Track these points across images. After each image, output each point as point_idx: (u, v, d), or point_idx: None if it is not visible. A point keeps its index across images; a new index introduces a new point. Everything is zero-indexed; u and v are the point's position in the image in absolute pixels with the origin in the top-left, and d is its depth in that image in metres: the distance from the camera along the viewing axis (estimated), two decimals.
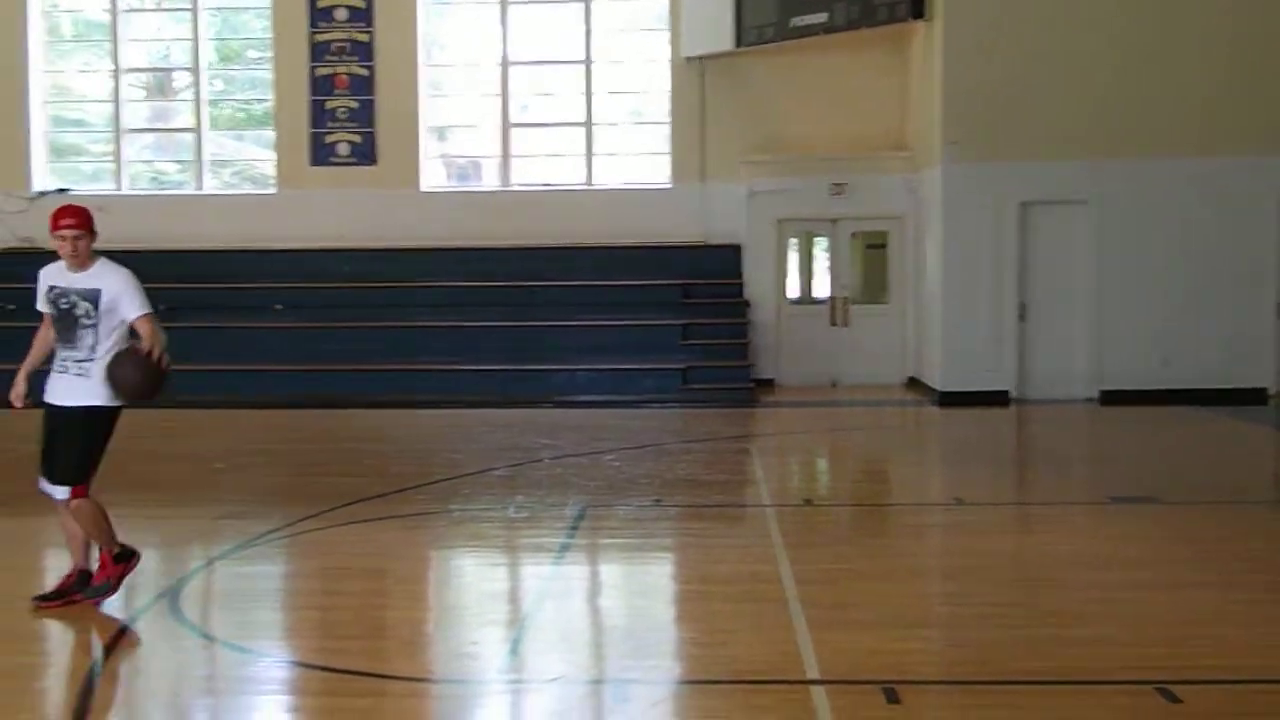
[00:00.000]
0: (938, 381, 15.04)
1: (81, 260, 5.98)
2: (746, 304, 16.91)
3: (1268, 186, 14.45)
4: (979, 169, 14.59)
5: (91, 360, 5.94)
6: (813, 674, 5.13)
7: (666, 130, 17.84)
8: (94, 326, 5.95)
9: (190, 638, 5.86)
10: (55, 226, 5.95)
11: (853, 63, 17.06)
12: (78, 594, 6.12)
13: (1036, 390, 14.79)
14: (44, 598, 6.09)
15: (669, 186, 17.78)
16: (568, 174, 18.15)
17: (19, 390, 6.08)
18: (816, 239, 17.60)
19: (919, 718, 4.72)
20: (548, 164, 18.32)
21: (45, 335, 6.16)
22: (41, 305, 6.09)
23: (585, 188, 17.99)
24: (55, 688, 5.25)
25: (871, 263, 17.48)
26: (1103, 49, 14.46)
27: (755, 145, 17.16)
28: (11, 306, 14.85)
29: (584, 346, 15.83)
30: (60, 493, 5.96)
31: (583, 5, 17.89)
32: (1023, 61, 14.50)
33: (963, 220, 14.77)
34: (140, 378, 5.89)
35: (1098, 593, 6.49)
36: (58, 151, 18.62)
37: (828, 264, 17.48)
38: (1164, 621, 5.90)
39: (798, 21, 16.44)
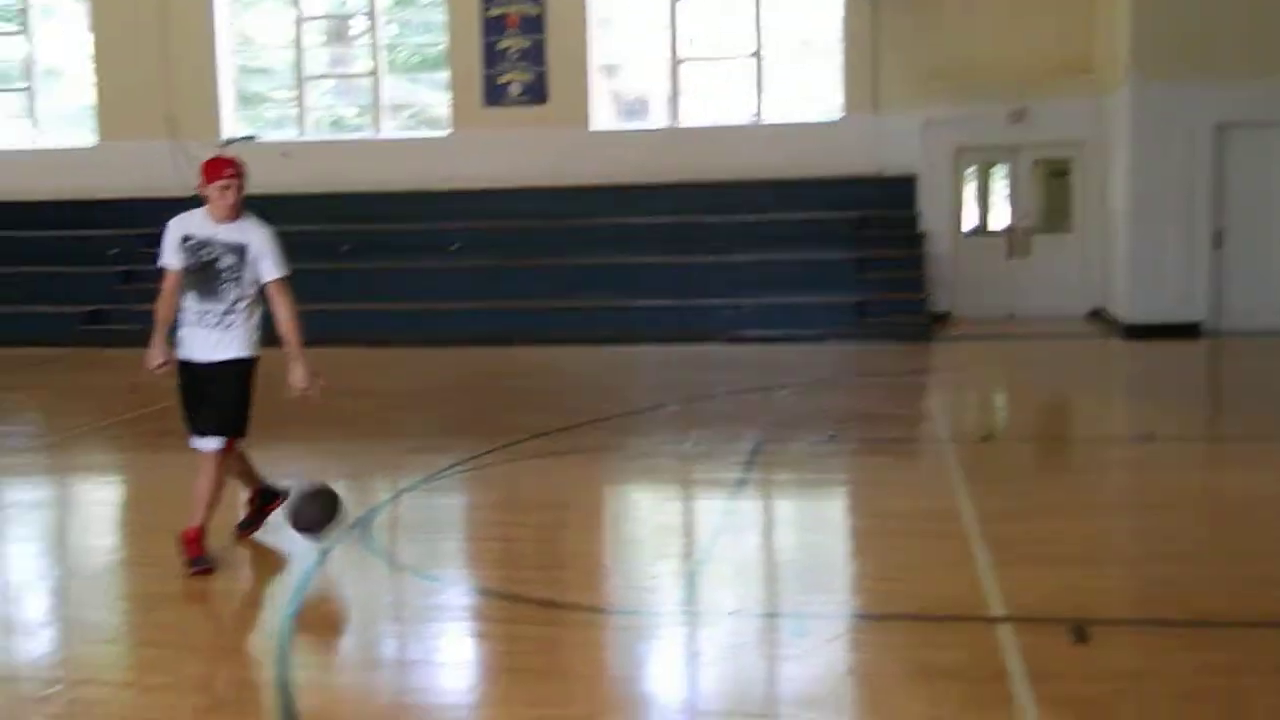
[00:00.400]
0: (1124, 313, 14.46)
1: (236, 211, 5.81)
2: (922, 236, 16.52)
3: None
4: (1171, 90, 13.86)
5: (234, 314, 5.84)
6: (997, 611, 5.03)
7: (838, 61, 17.46)
8: (237, 280, 5.79)
9: (380, 566, 6.08)
10: (218, 175, 5.73)
11: None
12: (268, 508, 6.37)
13: (1232, 321, 14.08)
14: (243, 525, 6.39)
15: (841, 118, 17.42)
16: (737, 109, 17.96)
17: (158, 358, 5.85)
18: (995, 167, 17.04)
19: (1109, 656, 4.57)
20: (716, 99, 18.16)
21: (172, 294, 5.86)
22: (172, 258, 5.80)
23: (755, 122, 17.78)
24: (253, 615, 5.51)
25: (1053, 191, 16.86)
26: None
27: (930, 73, 16.63)
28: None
29: (756, 281, 15.71)
30: (214, 443, 5.87)
31: None
32: None
33: (1153, 144, 14.08)
34: (320, 514, 6.15)
35: None
36: (245, 100, 19.30)
37: (1006, 193, 16.94)
38: None
39: None
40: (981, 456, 8.44)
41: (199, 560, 5.76)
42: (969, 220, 17.08)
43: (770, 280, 15.65)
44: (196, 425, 5.90)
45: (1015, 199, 16.74)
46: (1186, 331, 14.00)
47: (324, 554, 6.18)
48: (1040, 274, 16.43)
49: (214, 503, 5.90)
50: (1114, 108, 15.01)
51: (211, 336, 5.82)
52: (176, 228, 5.82)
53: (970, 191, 17.15)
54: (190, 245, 5.76)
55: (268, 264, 5.88)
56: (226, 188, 5.72)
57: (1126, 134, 14.34)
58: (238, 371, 5.88)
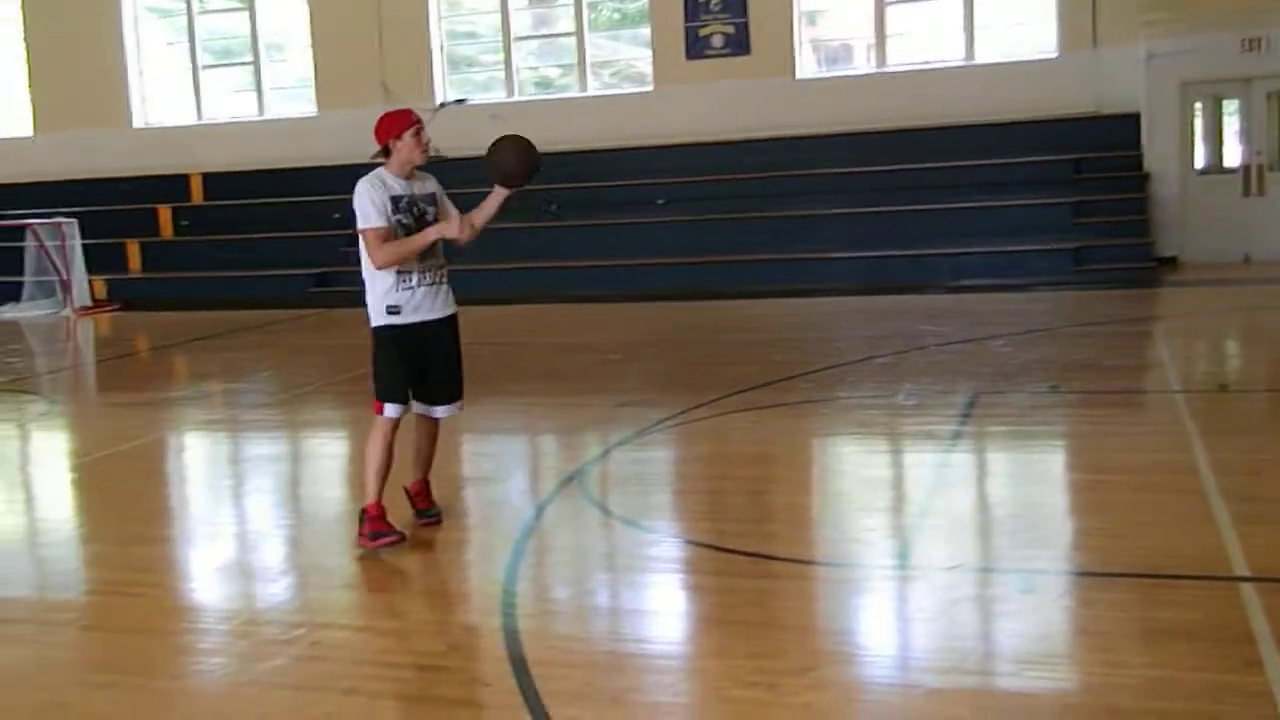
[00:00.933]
0: None
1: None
2: (1146, 176, 15.72)
3: None
4: None
5: (445, 268, 5.71)
6: (1240, 570, 4.75)
7: None
8: None
9: (595, 518, 6.18)
10: (408, 123, 5.53)
11: None
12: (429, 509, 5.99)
13: None
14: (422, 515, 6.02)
15: (1055, 56, 16.72)
16: (946, 50, 17.41)
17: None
18: (1226, 101, 16.04)
19: None
20: (925, 41, 17.64)
21: None
22: (383, 220, 5.44)
23: (966, 63, 17.22)
24: (478, 563, 5.68)
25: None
26: None
27: (1153, 2, 15.74)
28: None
29: (970, 229, 15.28)
30: (453, 410, 5.79)
31: None
32: None
33: None
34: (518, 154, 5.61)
35: None
36: (454, 64, 19.77)
37: (1239, 128, 15.93)
38: None
39: None
40: (1217, 408, 8.00)
41: (427, 512, 5.92)
42: (1198, 159, 16.14)
43: (984, 227, 15.21)
44: (432, 394, 5.73)
45: (1249, 134, 15.72)
46: None
47: (541, 507, 6.31)
48: (1278, 214, 15.41)
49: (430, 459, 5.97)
50: None
51: (440, 294, 5.68)
52: (379, 190, 5.46)
53: (1199, 127, 16.19)
54: (404, 205, 5.51)
55: (449, 205, 5.73)
56: (419, 132, 5.51)
57: None
58: (457, 330, 5.85)
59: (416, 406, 5.78)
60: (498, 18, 19.24)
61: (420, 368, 5.69)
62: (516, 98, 19.13)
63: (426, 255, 5.60)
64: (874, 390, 9.07)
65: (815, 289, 14.75)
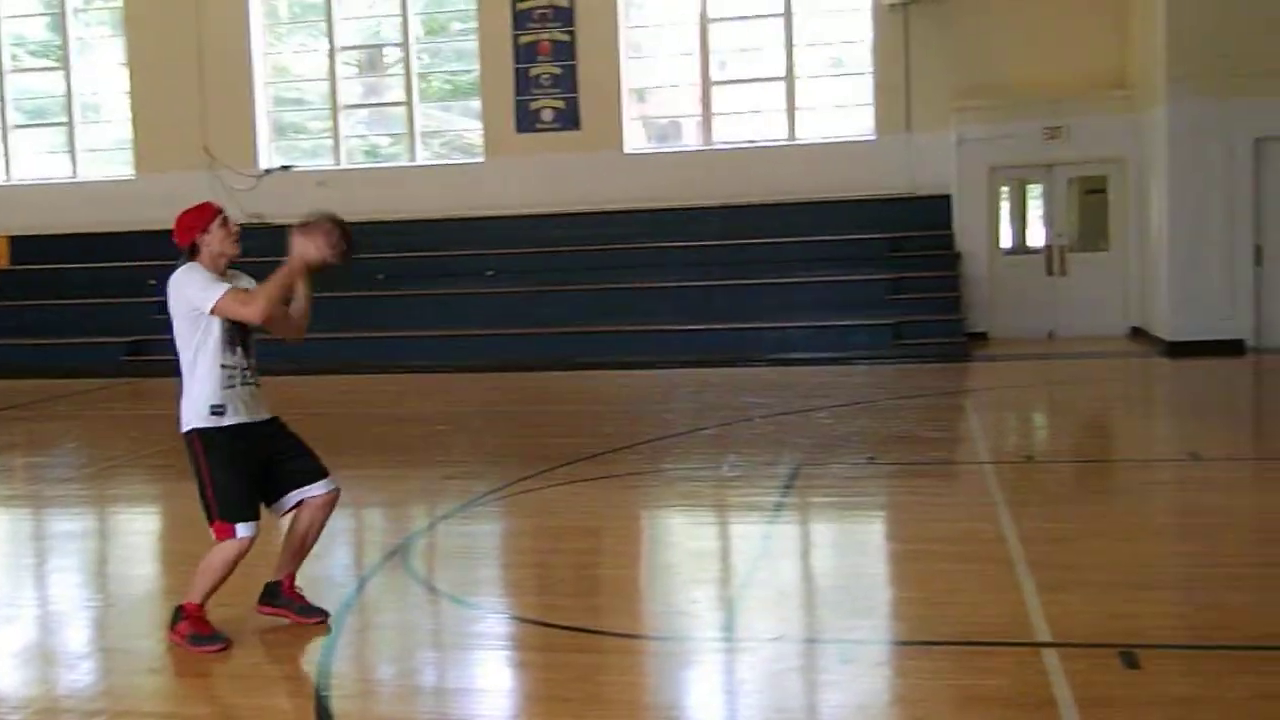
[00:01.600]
0: (1166, 331, 14.30)
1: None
2: (957, 255, 16.42)
3: None
4: (1208, 105, 13.75)
5: (256, 368, 5.30)
6: (1044, 637, 4.94)
7: (870, 80, 17.45)
8: (253, 332, 5.24)
9: (418, 592, 6.06)
10: (217, 217, 5.16)
11: None
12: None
13: (1276, 339, 13.90)
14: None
15: (874, 138, 17.39)
16: (770, 130, 17.96)
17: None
18: (1030, 186, 16.93)
19: (1161, 683, 4.49)
20: (749, 121, 18.17)
21: None
22: (223, 284, 5.07)
23: (788, 143, 17.77)
24: (294, 642, 5.50)
25: (1089, 208, 16.72)
26: None
27: (963, 91, 16.58)
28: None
29: (792, 304, 15.68)
30: (330, 485, 5.36)
31: None
32: None
33: (1191, 160, 13.96)
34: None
35: None
36: (280, 130, 19.47)
37: (1042, 211, 16.82)
38: None
39: None
40: (1023, 478, 8.34)
41: (308, 609, 5.47)
42: (1005, 239, 16.96)
43: (805, 303, 15.63)
44: (295, 478, 5.31)
45: (1051, 217, 16.62)
46: (1229, 349, 13.84)
47: (363, 581, 6.16)
48: (1078, 293, 16.28)
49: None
50: (1151, 124, 14.89)
51: (257, 396, 5.27)
52: (220, 282, 5.06)
53: (1006, 210, 17.03)
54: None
55: None
56: (225, 222, 5.14)
57: (1164, 151, 14.22)
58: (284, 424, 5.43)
59: (288, 500, 5.32)
60: (326, 85, 19.07)
61: (262, 468, 5.21)
62: (344, 165, 18.94)
63: (245, 353, 5.20)
64: (700, 462, 9.18)
65: (643, 361, 14.91)
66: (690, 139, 18.39)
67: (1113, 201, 16.27)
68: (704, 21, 17.86)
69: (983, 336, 16.10)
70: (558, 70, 17.84)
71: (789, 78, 17.74)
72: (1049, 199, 16.66)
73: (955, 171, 16.55)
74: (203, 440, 5.12)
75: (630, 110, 18.24)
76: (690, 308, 16.00)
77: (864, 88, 17.59)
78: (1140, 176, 15.55)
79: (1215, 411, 11.04)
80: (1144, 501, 7.72)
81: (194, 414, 5.14)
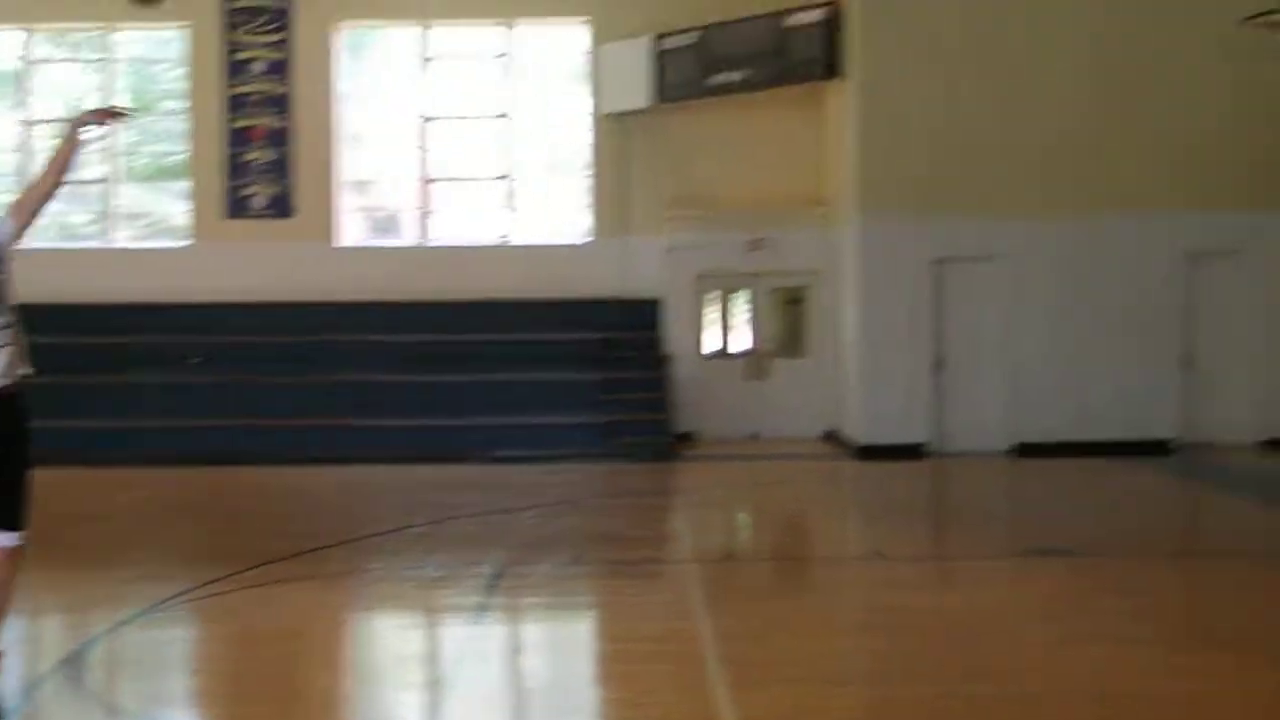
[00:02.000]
0: (856, 435, 15.16)
1: None
2: (666, 358, 16.95)
3: (1168, 240, 14.86)
4: (894, 225, 14.82)
5: (11, 326, 5.00)
6: None
7: (587, 185, 17.93)
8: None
9: (93, 710, 5.65)
10: None
11: (770, 119, 17.31)
12: None
13: (953, 443, 14.95)
14: None
15: (589, 241, 17.82)
16: (487, 229, 18.13)
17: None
18: (736, 293, 17.71)
19: None
20: (467, 219, 18.30)
21: None
22: None
23: (505, 242, 17.98)
24: None
25: (790, 317, 17.63)
26: (1011, 112, 14.80)
27: (675, 200, 17.29)
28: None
29: (503, 402, 15.74)
30: (12, 539, 4.91)
31: (502, 62, 17.97)
32: (933, 122, 14.79)
33: (879, 275, 14.97)
34: None
35: (1026, 648, 6.52)
36: None
37: (747, 318, 17.60)
38: (1081, 675, 5.94)
39: (716, 79, 16.67)
40: (722, 577, 8.61)
41: None
42: (712, 343, 17.64)
43: (518, 401, 15.71)
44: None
45: (754, 324, 17.41)
46: (912, 452, 14.78)
47: (29, 697, 5.70)
48: (779, 397, 17.07)
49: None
50: (844, 240, 15.91)
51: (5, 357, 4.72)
52: None
53: (713, 315, 17.74)
54: None
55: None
56: None
57: (855, 265, 15.21)
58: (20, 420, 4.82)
59: None
60: (19, 158, 17.97)
61: None
62: (35, 244, 17.78)
63: None
64: (406, 561, 9.01)
65: (354, 456, 14.60)
66: (408, 234, 18.31)
67: (811, 311, 17.21)
68: (424, 118, 17.95)
69: (690, 437, 16.60)
70: (272, 156, 17.48)
71: (508, 178, 18.02)
72: (753, 306, 17.46)
73: (665, 277, 17.14)
74: None
75: (347, 202, 18.04)
76: (402, 403, 15.81)
77: (581, 192, 18.05)
78: (835, 289, 16.55)
79: (899, 512, 11.72)
80: (833, 599, 8.10)
81: None
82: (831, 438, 16.50)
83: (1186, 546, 10.27)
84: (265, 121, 17.48)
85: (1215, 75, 14.48)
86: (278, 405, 15.70)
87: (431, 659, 6.79)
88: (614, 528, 10.49)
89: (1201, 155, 14.75)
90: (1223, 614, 7.36)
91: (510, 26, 17.93)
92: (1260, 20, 7.74)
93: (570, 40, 17.99)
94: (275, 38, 17.47)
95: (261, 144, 17.48)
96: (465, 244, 17.97)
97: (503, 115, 17.99)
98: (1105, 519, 11.01)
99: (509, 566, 8.62)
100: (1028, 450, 14.74)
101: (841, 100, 15.76)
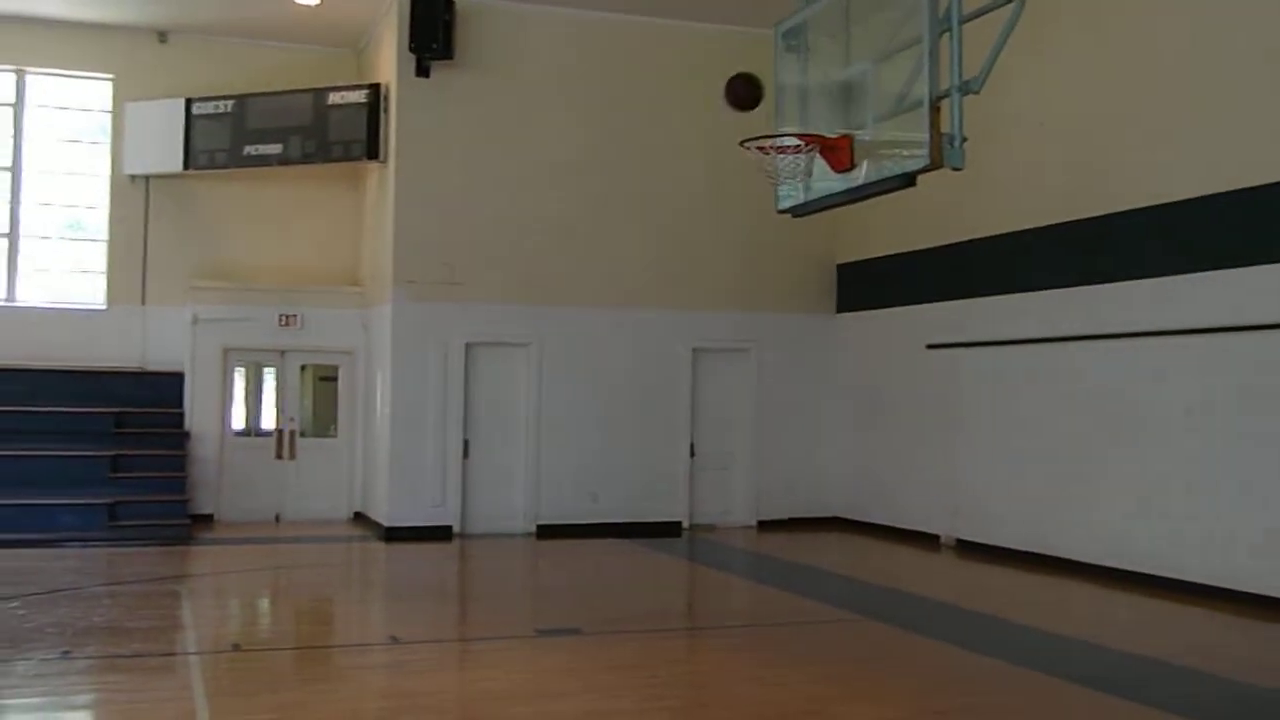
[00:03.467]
0: (384, 516, 15.08)
1: None
2: (186, 435, 16.11)
3: (682, 338, 16.09)
4: (427, 308, 15.04)
5: None
6: None
7: (104, 248, 16.87)
8: None
9: None
10: None
11: (308, 196, 17.16)
12: None
13: (479, 525, 15.23)
14: None
15: (104, 308, 16.74)
16: None
17: None
18: (266, 369, 17.18)
19: None
20: None
21: None
22: None
23: (8, 304, 16.50)
24: None
25: (321, 395, 17.32)
26: (540, 207, 15.52)
27: (202, 270, 16.64)
28: None
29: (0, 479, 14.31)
30: None
31: (12, 110, 16.64)
32: (469, 211, 15.24)
33: (412, 357, 15.09)
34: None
35: None
36: None
37: (275, 395, 17.10)
38: None
39: (252, 150, 16.30)
40: (231, 668, 8.23)
41: None
42: (237, 420, 16.96)
43: (14, 477, 14.38)
44: None
45: (283, 402, 16.94)
46: (440, 534, 14.89)
47: None
48: (307, 477, 16.68)
49: None
50: (378, 320, 15.91)
51: None
52: None
53: (240, 391, 17.08)
54: None
55: None
56: None
57: (388, 346, 15.23)
58: None
59: None
60: None
61: None
62: None
63: None
64: None
65: None
66: None
67: (342, 390, 17.01)
68: None
69: (209, 519, 15.83)
70: None
71: (12, 235, 16.60)
72: (281, 384, 16.99)
73: (189, 350, 16.36)
74: None
75: None
76: None
77: (97, 255, 16.93)
78: (368, 368, 16.48)
79: (419, 594, 11.74)
80: (342, 687, 7.93)
81: None
82: (359, 519, 16.31)
83: (684, 623, 11.00)
84: None
85: (721, 192, 15.91)
86: None
87: None
88: (113, 618, 9.75)
89: (707, 262, 16.16)
90: (708, 680, 7.94)
91: (21, 74, 16.66)
92: (754, 142, 8.61)
93: (90, 96, 16.96)
94: None
95: None
96: None
97: (9, 167, 16.62)
98: (615, 598, 11.58)
99: None
100: (547, 531, 15.28)
101: (382, 181, 15.86)
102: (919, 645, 9.21)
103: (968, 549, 14.17)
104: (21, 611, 9.74)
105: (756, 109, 9.26)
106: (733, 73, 9.22)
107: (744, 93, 9.06)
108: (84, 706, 7.33)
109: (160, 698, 7.35)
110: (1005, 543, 13.57)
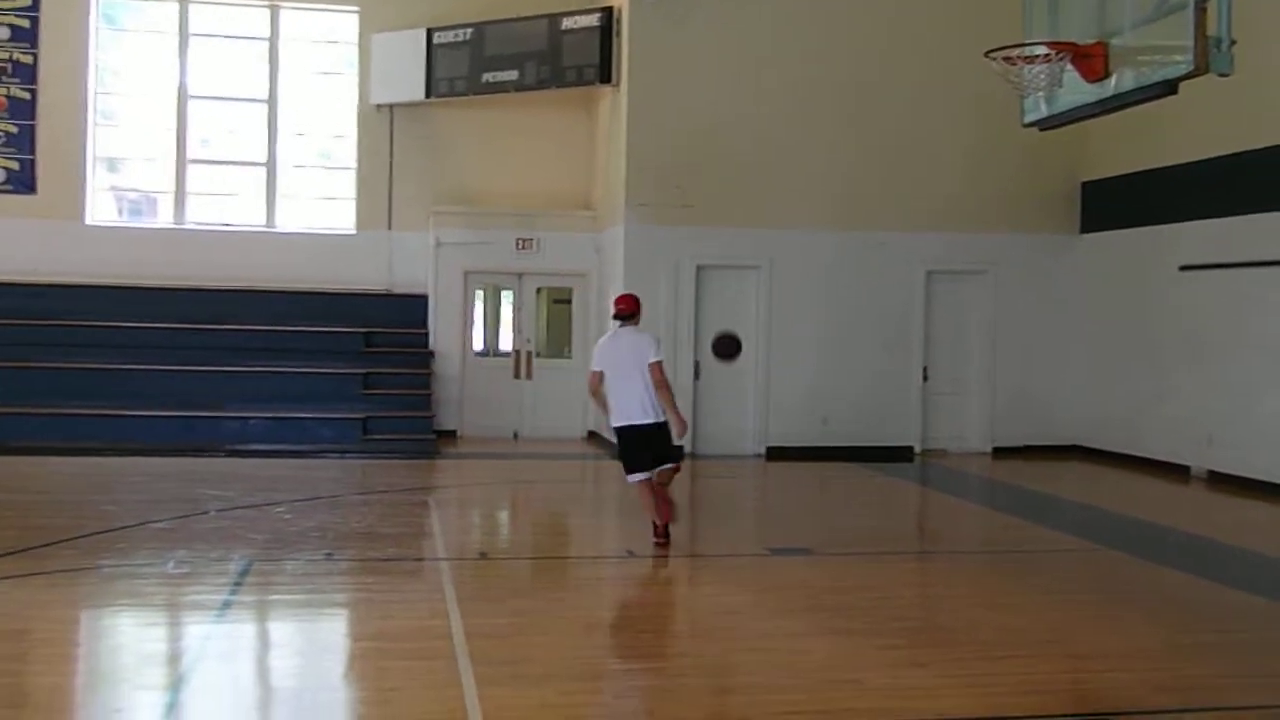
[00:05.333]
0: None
1: None
2: (431, 354, 16.81)
3: (914, 261, 15.72)
4: (659, 231, 15.15)
5: None
6: None
7: (353, 176, 17.65)
8: None
9: None
10: None
11: (542, 121, 17.45)
12: None
13: (709, 446, 15.36)
14: None
15: (354, 233, 17.54)
16: (248, 215, 17.59)
17: None
18: (503, 292, 17.71)
19: None
20: (228, 203, 17.71)
21: None
22: None
23: (266, 230, 17.49)
24: None
25: (556, 317, 17.76)
26: (770, 129, 15.34)
27: (443, 196, 17.20)
28: None
29: (260, 393, 15.29)
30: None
31: (267, 44, 17.48)
32: (701, 135, 15.19)
33: (643, 280, 15.19)
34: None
35: (755, 641, 6.79)
36: None
37: (513, 317, 17.62)
38: (810, 668, 6.25)
39: (489, 77, 16.66)
40: (476, 574, 8.63)
41: None
42: (478, 341, 17.58)
43: (275, 392, 15.31)
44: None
45: (520, 324, 17.45)
46: None
47: None
48: (543, 396, 17.16)
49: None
50: (611, 244, 16.14)
51: None
52: None
53: (479, 313, 17.69)
54: None
55: None
56: None
57: (621, 268, 15.45)
58: None
59: None
60: None
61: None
62: None
63: None
64: (145, 558, 8.67)
65: (100, 448, 13.90)
66: (164, 216, 17.57)
67: (576, 312, 17.39)
68: (183, 96, 17.28)
69: (452, 435, 16.52)
70: (14, 129, 16.49)
71: (270, 164, 17.53)
72: (518, 305, 17.49)
73: (432, 273, 17.01)
74: None
75: (97, 179, 17.19)
76: (154, 392, 15.16)
77: (347, 183, 17.72)
78: (601, 291, 16.77)
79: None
80: (584, 597, 8.22)
81: None
82: (593, 438, 16.71)
83: (915, 546, 10.88)
84: (8, 90, 16.47)
85: (958, 107, 15.36)
86: (20, 391, 14.83)
87: (169, 658, 6.56)
88: (368, 524, 10.35)
89: (943, 182, 15.67)
90: (942, 604, 7.86)
91: (275, 9, 17.46)
92: (999, 53, 8.27)
93: (338, 28, 17.65)
94: (23, 2, 16.48)
95: (3, 115, 16.47)
96: (225, 228, 17.40)
97: (266, 100, 17.51)
98: (846, 520, 11.55)
99: (256, 562, 8.42)
100: (778, 454, 15.30)
101: (614, 106, 15.99)
102: (1166, 577, 8.85)
103: (1219, 481, 13.48)
104: (288, 516, 10.44)
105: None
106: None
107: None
108: (345, 605, 7.82)
109: (414, 599, 7.77)
110: (1261, 475, 12.83)
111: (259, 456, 14.16)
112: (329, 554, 8.86)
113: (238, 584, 7.80)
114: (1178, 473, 14.13)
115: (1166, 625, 7.33)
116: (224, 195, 17.70)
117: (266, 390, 15.36)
